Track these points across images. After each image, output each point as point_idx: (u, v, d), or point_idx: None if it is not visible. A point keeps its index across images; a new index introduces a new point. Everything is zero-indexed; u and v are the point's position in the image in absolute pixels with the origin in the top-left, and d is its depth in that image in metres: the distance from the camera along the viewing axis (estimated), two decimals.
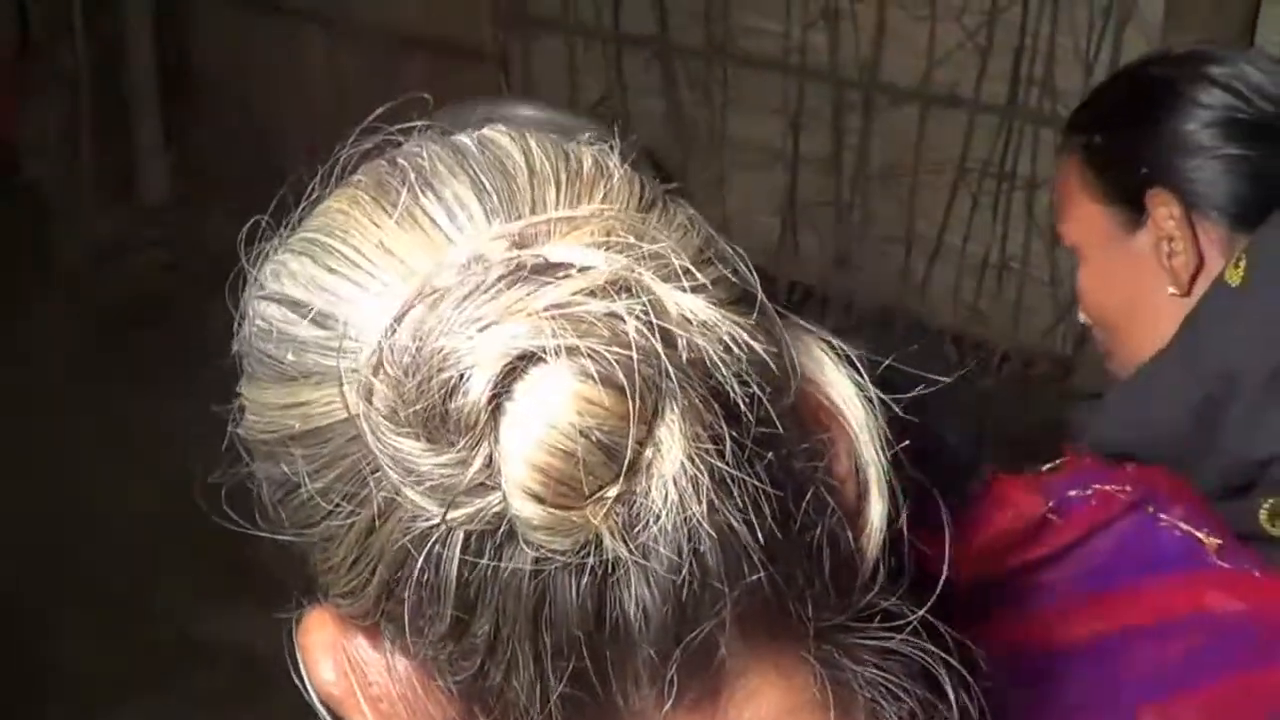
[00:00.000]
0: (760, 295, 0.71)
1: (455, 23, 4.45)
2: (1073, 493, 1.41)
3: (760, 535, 0.66)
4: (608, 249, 0.66)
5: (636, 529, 0.63)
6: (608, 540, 0.63)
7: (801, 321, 0.79)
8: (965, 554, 1.25)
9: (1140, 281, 1.71)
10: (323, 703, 0.74)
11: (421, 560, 0.65)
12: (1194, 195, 1.66)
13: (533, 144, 0.72)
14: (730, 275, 0.71)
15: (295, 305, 0.70)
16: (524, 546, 0.64)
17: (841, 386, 0.79)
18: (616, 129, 0.77)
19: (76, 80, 4.76)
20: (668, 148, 4.24)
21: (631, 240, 0.67)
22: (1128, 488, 1.42)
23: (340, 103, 4.79)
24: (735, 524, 0.65)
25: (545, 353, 0.61)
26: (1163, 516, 1.38)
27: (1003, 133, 3.79)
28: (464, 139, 0.73)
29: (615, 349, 0.62)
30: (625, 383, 0.62)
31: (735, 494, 0.65)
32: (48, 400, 4.01)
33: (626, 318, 0.62)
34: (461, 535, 0.64)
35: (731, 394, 0.65)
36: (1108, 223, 1.73)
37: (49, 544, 3.53)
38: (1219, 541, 1.36)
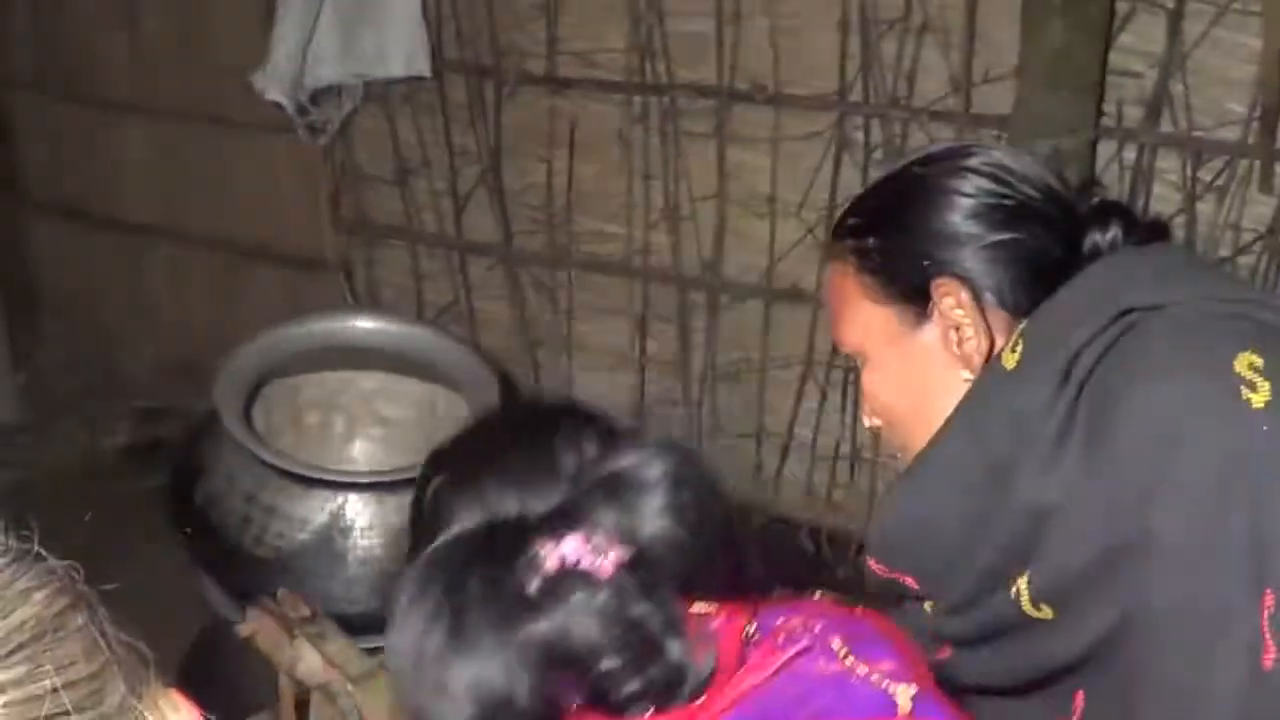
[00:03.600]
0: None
1: (298, 232, 4.45)
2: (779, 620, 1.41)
3: None
4: None
5: None
6: None
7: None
8: None
9: (931, 373, 1.70)
10: None
11: None
12: (973, 283, 1.67)
13: None
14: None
15: None
16: None
17: None
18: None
19: None
20: (516, 352, 4.25)
21: None
22: (817, 626, 1.40)
23: (184, 317, 4.75)
24: None
25: None
26: (862, 667, 1.37)
27: None
28: None
29: None
30: None
31: None
32: None
33: None
34: None
35: None
36: (890, 322, 1.72)
37: None
38: (914, 690, 1.35)
